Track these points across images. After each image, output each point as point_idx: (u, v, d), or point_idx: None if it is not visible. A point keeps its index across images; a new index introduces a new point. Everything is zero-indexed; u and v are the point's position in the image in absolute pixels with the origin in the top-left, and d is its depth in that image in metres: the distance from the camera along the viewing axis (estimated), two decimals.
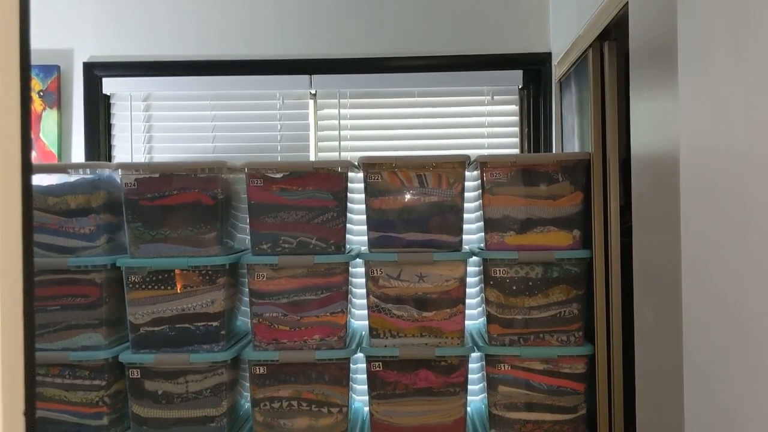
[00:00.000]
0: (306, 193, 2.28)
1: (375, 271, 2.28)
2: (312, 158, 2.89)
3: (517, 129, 2.93)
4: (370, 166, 2.28)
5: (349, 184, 2.36)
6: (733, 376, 0.98)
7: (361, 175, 2.33)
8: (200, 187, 2.26)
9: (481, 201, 2.32)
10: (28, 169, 0.62)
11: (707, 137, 1.09)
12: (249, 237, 2.31)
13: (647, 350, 1.61)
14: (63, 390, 2.27)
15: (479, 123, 2.92)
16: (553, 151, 2.81)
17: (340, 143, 2.91)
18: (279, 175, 2.28)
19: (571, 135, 2.55)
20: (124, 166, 2.29)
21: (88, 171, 2.30)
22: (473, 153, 2.37)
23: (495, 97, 2.93)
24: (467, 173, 2.40)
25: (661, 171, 1.43)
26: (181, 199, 2.27)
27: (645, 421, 1.64)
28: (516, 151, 2.92)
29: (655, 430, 1.54)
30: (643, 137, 1.64)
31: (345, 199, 2.30)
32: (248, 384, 2.32)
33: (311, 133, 2.91)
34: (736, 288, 0.96)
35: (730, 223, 0.99)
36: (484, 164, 2.29)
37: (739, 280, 0.95)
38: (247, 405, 2.44)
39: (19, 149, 0.61)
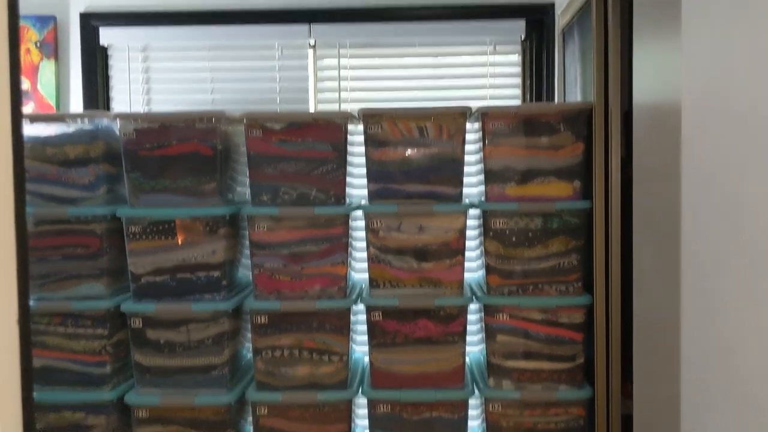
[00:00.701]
0: (306, 144, 2.27)
1: (375, 223, 2.28)
2: (311, 110, 2.87)
3: (519, 80, 2.90)
4: (370, 117, 2.26)
5: (350, 137, 2.35)
6: (729, 317, 0.98)
7: (361, 126, 2.32)
8: (199, 138, 2.25)
9: (481, 152, 2.30)
10: (17, 116, 0.61)
11: (709, 86, 1.08)
12: (249, 189, 2.31)
13: (645, 297, 1.62)
14: (66, 339, 2.30)
15: (481, 74, 2.89)
16: (556, 103, 2.78)
17: (340, 95, 2.88)
18: (278, 126, 2.27)
19: (574, 86, 2.53)
20: (122, 116, 2.27)
21: (86, 121, 2.28)
22: (475, 105, 2.35)
23: (497, 47, 2.89)
24: (468, 125, 2.39)
25: (662, 120, 1.41)
26: (180, 150, 2.26)
27: (642, 367, 1.65)
28: (518, 102, 2.89)
29: (652, 377, 1.55)
30: (645, 87, 1.62)
31: (345, 150, 2.29)
32: (250, 333, 2.34)
33: (311, 84, 2.88)
34: (733, 232, 0.96)
35: (729, 170, 0.98)
36: (485, 115, 2.27)
37: (735, 225, 0.95)
38: (249, 354, 2.47)
39: (8, 99, 0.60)
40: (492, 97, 2.89)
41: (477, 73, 2.89)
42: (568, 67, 2.63)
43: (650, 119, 1.55)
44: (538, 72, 2.87)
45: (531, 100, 2.87)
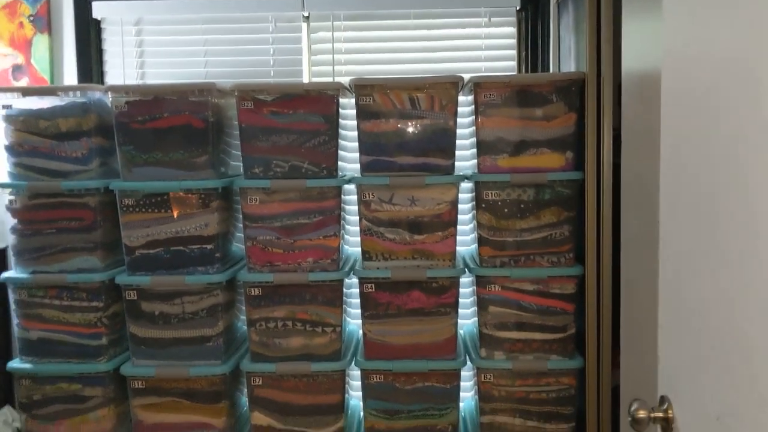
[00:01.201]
0: (297, 116, 2.27)
1: (367, 195, 2.29)
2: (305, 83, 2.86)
3: (514, 52, 2.87)
4: (361, 87, 2.25)
5: (342, 110, 2.34)
6: (702, 280, 0.99)
7: (353, 99, 2.31)
8: (190, 110, 2.25)
9: (474, 124, 2.30)
10: None
11: (688, 54, 1.07)
12: (241, 161, 2.31)
13: (631, 266, 1.63)
14: (61, 311, 2.32)
15: (476, 46, 2.87)
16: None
17: (333, 68, 2.87)
18: (269, 98, 2.26)
19: (568, 57, 2.51)
20: (113, 89, 2.27)
21: (78, 94, 2.29)
22: (468, 76, 2.33)
23: (492, 18, 2.87)
24: (462, 97, 2.38)
25: (647, 87, 1.41)
26: (172, 122, 2.26)
27: (627, 336, 1.66)
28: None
29: (635, 345, 1.56)
30: (633, 55, 1.62)
31: (337, 122, 2.28)
32: (244, 305, 2.36)
33: (304, 57, 2.87)
34: (709, 186, 0.96)
35: (704, 136, 0.98)
36: (477, 85, 2.26)
37: (712, 178, 0.95)
38: (244, 326, 2.49)
39: None
40: (487, 70, 2.87)
41: (472, 45, 2.87)
42: (562, 38, 2.61)
43: (636, 88, 1.54)
44: (533, 44, 2.84)
45: (527, 71, 2.85)
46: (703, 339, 0.98)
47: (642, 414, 1.10)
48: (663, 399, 1.11)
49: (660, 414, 1.09)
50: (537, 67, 2.83)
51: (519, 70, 2.87)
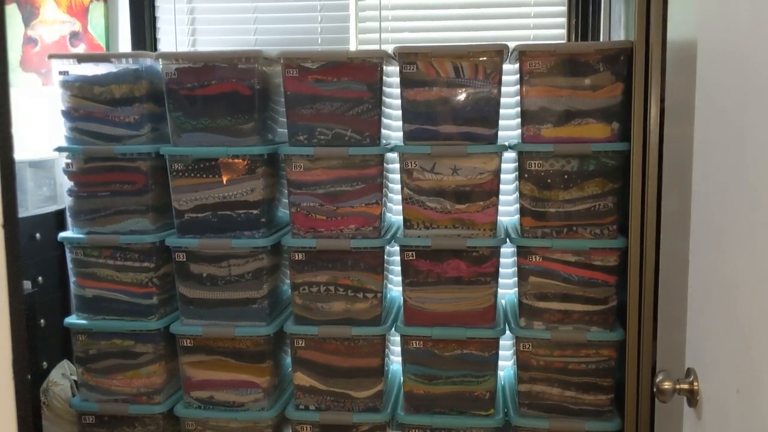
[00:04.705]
0: (341, 84, 2.29)
1: (409, 164, 2.30)
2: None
3: (564, 20, 2.82)
4: (405, 55, 2.26)
5: (386, 78, 2.35)
6: (732, 255, 0.98)
7: (397, 67, 2.31)
8: (238, 77, 2.29)
9: (519, 93, 2.28)
10: None
11: (724, 24, 1.05)
12: (287, 129, 2.35)
13: (669, 239, 1.61)
14: (115, 271, 2.42)
15: (525, 14, 2.83)
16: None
17: (380, 36, 2.87)
18: (314, 66, 2.29)
19: (618, 25, 2.45)
20: (164, 56, 2.33)
21: (130, 61, 2.35)
22: (514, 45, 2.31)
23: None
24: (506, 66, 2.36)
25: (685, 62, 1.37)
26: (220, 89, 2.31)
27: (664, 309, 1.65)
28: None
29: (670, 317, 1.55)
30: (677, 23, 1.58)
31: (380, 90, 2.29)
32: (288, 270, 2.42)
33: (351, 25, 2.87)
34: (741, 160, 0.95)
35: (738, 108, 0.96)
36: (523, 54, 2.24)
37: (744, 151, 0.94)
38: (288, 289, 2.55)
39: None
40: (536, 38, 2.83)
41: (521, 13, 2.82)
42: (613, 6, 2.54)
43: (679, 57, 1.51)
44: (584, 12, 2.78)
45: (576, 40, 2.79)
46: (729, 313, 0.98)
47: (667, 385, 1.10)
48: (689, 371, 1.11)
49: (685, 386, 1.09)
50: (587, 35, 2.78)
51: (568, 39, 2.81)
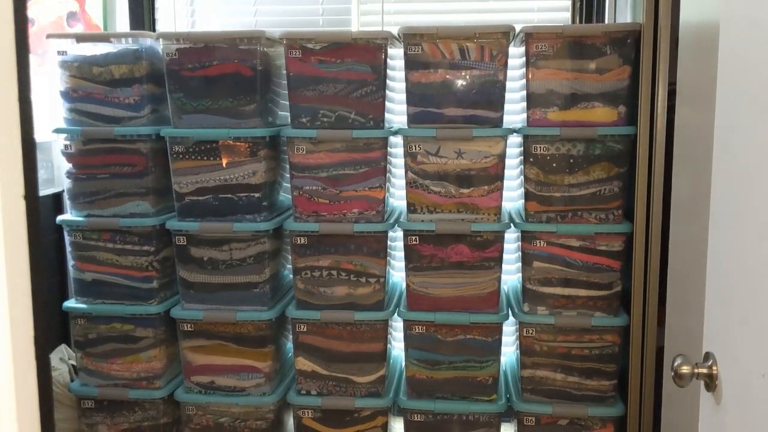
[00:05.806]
0: (345, 66, 2.25)
1: (413, 147, 2.28)
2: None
3: (568, 3, 2.79)
4: (410, 36, 2.22)
5: (390, 60, 2.31)
6: (753, 236, 0.96)
7: (401, 50, 2.28)
8: (239, 58, 2.26)
9: (524, 76, 2.25)
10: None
11: (748, 6, 1.02)
12: (288, 111, 2.32)
13: (680, 224, 1.59)
14: (114, 254, 2.39)
15: None
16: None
17: (383, 17, 2.83)
18: (317, 47, 2.25)
19: (624, 8, 2.42)
20: (164, 36, 2.29)
21: (130, 41, 2.31)
22: (520, 26, 2.28)
23: None
24: (512, 48, 2.33)
25: (705, 40, 1.35)
26: (221, 70, 2.27)
27: (674, 295, 1.64)
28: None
29: (681, 302, 1.54)
30: (692, 6, 1.55)
31: (384, 72, 2.26)
32: (290, 254, 2.39)
33: (353, 6, 2.83)
34: (764, 148, 0.93)
35: (762, 86, 0.94)
36: (529, 36, 2.21)
37: (766, 141, 0.92)
38: (290, 274, 2.53)
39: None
40: (540, 21, 2.79)
41: None
42: None
43: (693, 41, 1.48)
44: None
45: (581, 23, 2.76)
46: (752, 298, 0.96)
47: (685, 369, 1.09)
48: (708, 355, 1.09)
49: (704, 370, 1.08)
50: (592, 18, 2.75)
51: (573, 22, 2.78)
